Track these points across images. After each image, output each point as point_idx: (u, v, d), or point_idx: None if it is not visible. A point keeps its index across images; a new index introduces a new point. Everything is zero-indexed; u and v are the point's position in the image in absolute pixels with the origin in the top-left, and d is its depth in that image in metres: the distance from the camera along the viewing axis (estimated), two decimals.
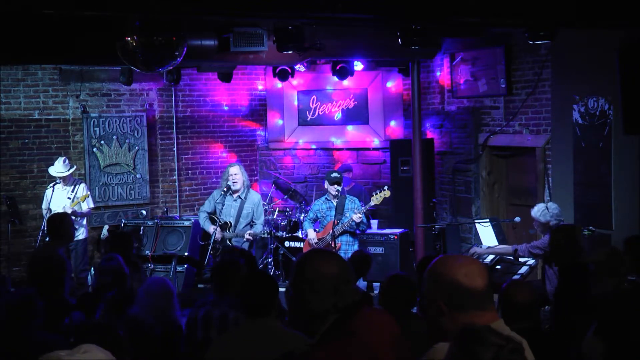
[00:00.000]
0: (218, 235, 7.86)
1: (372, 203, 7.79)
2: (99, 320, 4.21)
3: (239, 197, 7.99)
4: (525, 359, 1.98)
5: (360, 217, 7.60)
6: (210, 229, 7.96)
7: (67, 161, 8.62)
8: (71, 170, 8.60)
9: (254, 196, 8.13)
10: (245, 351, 3.49)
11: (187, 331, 4.32)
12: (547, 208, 6.32)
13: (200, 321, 4.22)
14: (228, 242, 7.88)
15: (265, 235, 8.70)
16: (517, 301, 3.77)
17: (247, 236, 7.83)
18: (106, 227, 9.63)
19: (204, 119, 10.71)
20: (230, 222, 7.92)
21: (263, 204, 8.49)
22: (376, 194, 7.80)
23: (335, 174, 7.91)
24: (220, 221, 7.91)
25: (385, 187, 7.90)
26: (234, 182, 7.92)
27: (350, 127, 10.67)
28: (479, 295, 2.27)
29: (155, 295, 4.52)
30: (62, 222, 6.33)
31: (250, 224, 8.07)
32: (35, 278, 4.98)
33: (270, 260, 9.21)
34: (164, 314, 4.47)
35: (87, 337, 3.27)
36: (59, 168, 8.53)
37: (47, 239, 6.70)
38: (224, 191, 7.95)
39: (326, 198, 7.97)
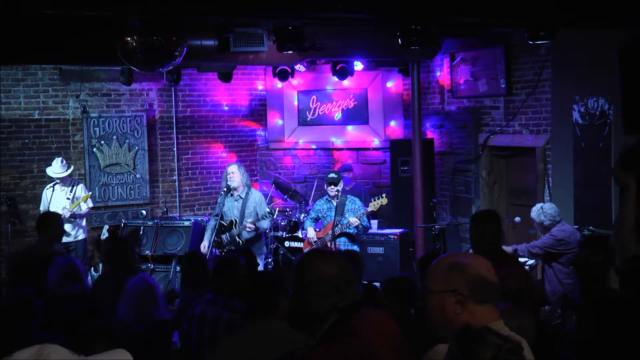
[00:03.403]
0: (224, 237, 7.85)
1: (369, 209, 7.77)
2: (103, 323, 4.21)
3: (240, 196, 7.98)
4: (524, 358, 1.98)
5: (357, 222, 7.60)
6: (205, 242, 7.87)
7: (64, 162, 8.61)
8: (69, 171, 8.58)
9: (255, 194, 8.08)
10: (247, 353, 3.48)
11: (185, 327, 4.42)
12: (542, 208, 6.37)
13: (196, 319, 4.31)
14: (237, 238, 7.86)
15: (270, 233, 8.67)
16: (506, 286, 3.86)
17: (248, 224, 7.75)
18: (106, 227, 9.62)
19: (204, 119, 10.71)
20: (235, 220, 7.91)
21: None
22: (374, 200, 7.78)
23: (331, 175, 7.89)
24: (225, 222, 7.91)
25: (383, 195, 7.86)
26: (231, 180, 7.93)
27: (350, 127, 10.66)
28: (497, 290, 2.32)
29: (135, 294, 4.54)
30: (48, 221, 6.27)
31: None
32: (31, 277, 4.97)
33: (270, 260, 9.20)
34: (145, 313, 4.48)
35: (91, 339, 3.30)
36: (56, 169, 8.52)
37: (38, 239, 6.56)
38: (224, 191, 7.96)
39: (327, 199, 7.96)
